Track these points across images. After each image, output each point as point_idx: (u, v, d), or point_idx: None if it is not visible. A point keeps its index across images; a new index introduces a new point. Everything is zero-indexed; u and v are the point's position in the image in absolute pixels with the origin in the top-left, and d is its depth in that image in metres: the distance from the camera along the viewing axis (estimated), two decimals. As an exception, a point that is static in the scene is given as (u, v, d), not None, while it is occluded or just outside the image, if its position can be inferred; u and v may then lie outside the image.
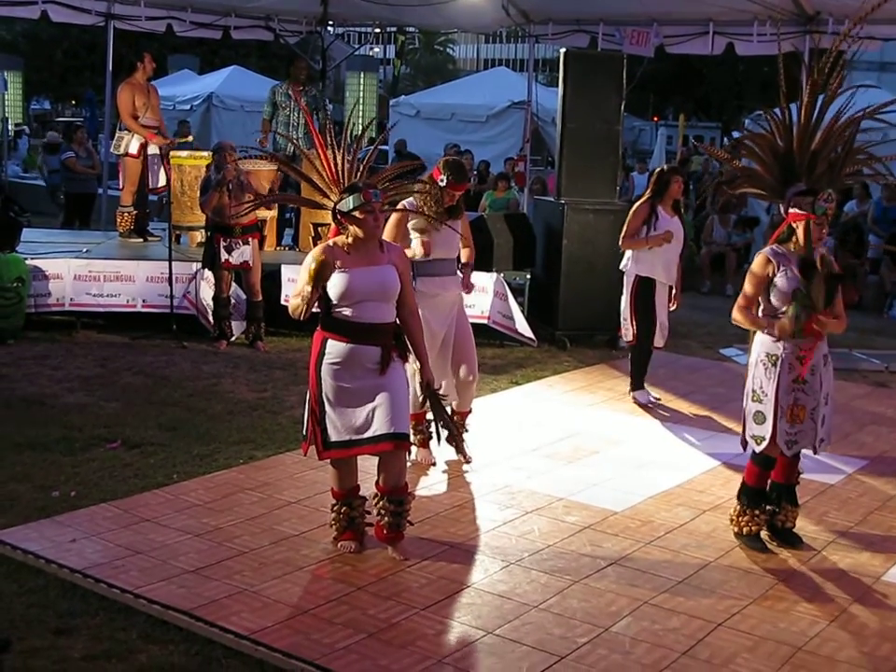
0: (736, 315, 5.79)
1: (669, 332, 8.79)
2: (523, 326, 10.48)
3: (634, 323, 8.56)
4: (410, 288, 5.64)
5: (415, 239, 6.72)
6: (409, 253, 6.39)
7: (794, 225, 5.62)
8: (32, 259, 10.20)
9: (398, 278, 5.42)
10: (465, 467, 6.92)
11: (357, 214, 5.28)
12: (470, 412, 7.15)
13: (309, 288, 5.17)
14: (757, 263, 5.70)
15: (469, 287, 6.95)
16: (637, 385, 8.76)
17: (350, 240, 5.36)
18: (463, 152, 21.20)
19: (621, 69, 10.85)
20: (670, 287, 8.60)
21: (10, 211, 10.54)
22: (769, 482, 5.94)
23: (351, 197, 5.30)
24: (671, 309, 8.70)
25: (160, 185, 11.92)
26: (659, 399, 8.76)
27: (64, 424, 7.48)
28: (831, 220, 5.60)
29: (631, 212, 8.62)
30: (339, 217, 5.37)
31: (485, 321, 10.32)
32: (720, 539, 5.93)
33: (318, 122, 10.53)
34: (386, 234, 6.36)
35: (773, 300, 5.64)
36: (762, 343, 5.74)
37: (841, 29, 12.31)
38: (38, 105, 48.59)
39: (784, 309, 5.60)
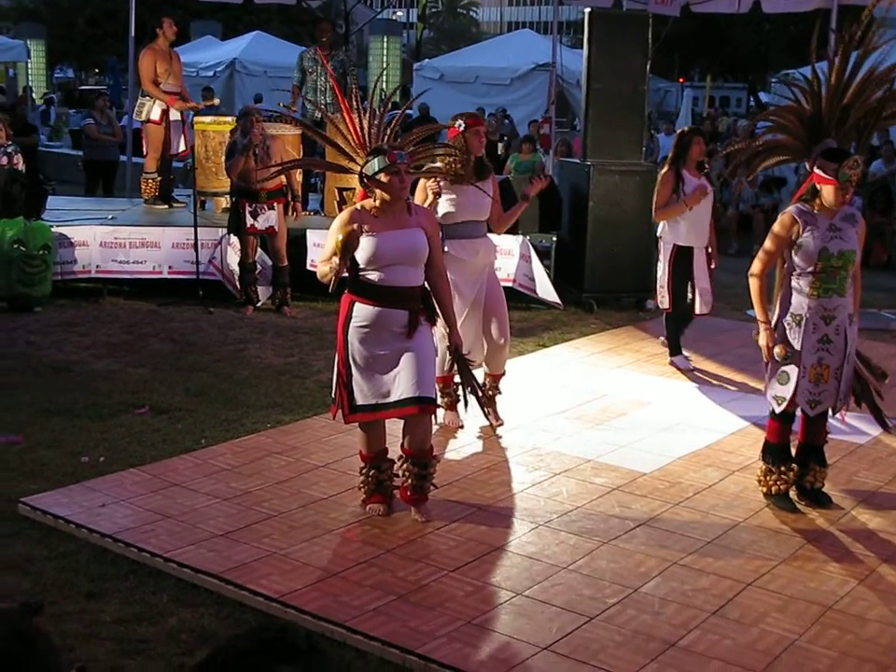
0: (754, 271, 5.71)
1: (714, 298, 8.61)
2: (548, 289, 10.43)
3: (671, 291, 8.47)
4: (439, 251, 5.61)
5: (440, 202, 6.69)
6: (419, 199, 6.37)
7: (818, 186, 5.56)
8: (57, 226, 10.23)
9: (426, 241, 5.38)
10: (496, 430, 6.90)
11: (382, 176, 5.25)
12: (504, 374, 7.12)
13: (338, 259, 5.13)
14: (781, 223, 5.63)
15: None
16: (674, 350, 8.68)
17: (377, 203, 5.33)
18: (507, 115, 21.17)
19: (646, 29, 10.75)
20: (706, 250, 8.49)
21: (36, 179, 10.54)
22: (797, 443, 5.91)
23: (376, 159, 5.28)
24: (713, 268, 8.58)
25: (180, 150, 11.92)
26: (689, 360, 8.70)
27: (92, 390, 7.52)
28: (857, 182, 5.52)
29: (658, 182, 8.51)
30: (365, 180, 5.34)
31: (510, 284, 10.28)
32: (748, 500, 5.91)
33: (347, 86, 10.48)
34: (417, 200, 6.34)
35: (798, 259, 5.58)
36: (787, 303, 5.68)
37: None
38: (62, 74, 48.66)
39: (810, 269, 5.55)
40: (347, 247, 5.11)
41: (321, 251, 5.60)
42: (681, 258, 8.36)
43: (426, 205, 6.32)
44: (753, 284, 5.73)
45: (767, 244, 5.69)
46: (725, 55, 39.35)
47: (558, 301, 10.42)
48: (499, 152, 17.35)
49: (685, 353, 8.74)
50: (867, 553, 5.34)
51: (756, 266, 5.72)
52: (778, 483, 5.84)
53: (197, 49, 27.95)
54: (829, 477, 5.99)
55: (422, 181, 6.70)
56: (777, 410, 5.73)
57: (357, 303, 5.32)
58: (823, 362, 5.64)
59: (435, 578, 4.88)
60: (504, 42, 28.90)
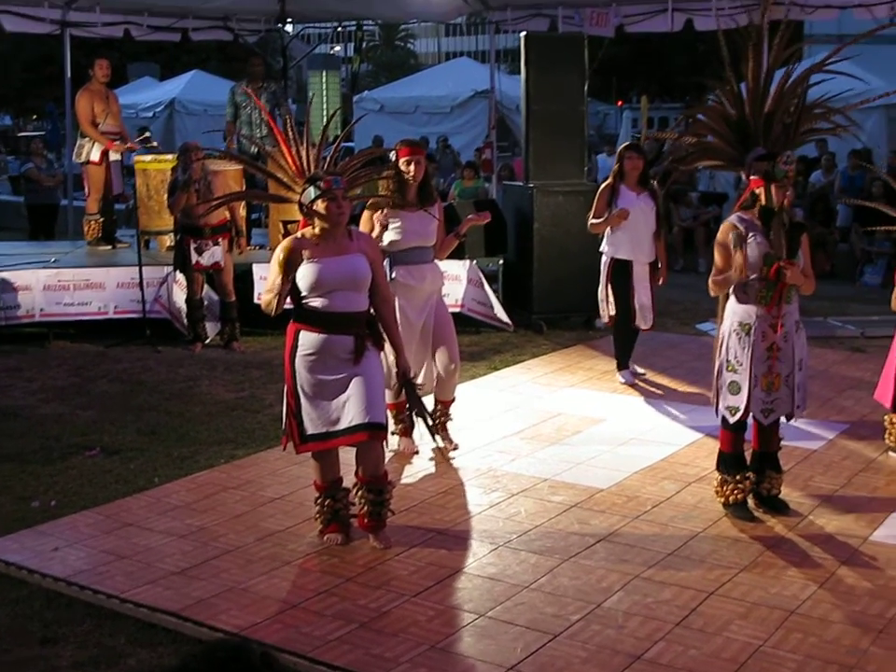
0: (711, 286, 5.77)
1: (655, 313, 8.65)
2: (498, 311, 10.45)
3: (608, 305, 8.53)
4: (382, 276, 5.59)
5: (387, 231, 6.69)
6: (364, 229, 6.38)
7: (757, 191, 5.61)
8: (-1, 271, 10.12)
9: (368, 266, 5.36)
10: (450, 453, 6.88)
11: (319, 203, 5.24)
12: (454, 400, 7.10)
13: (279, 280, 5.11)
14: (723, 232, 5.68)
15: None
16: (620, 364, 8.73)
17: (317, 231, 5.32)
18: (448, 145, 21.30)
19: (581, 50, 10.84)
20: (652, 265, 8.54)
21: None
22: (751, 451, 5.94)
23: (312, 187, 5.27)
24: (659, 284, 8.62)
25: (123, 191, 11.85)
26: (644, 374, 8.75)
27: (41, 434, 7.41)
28: (796, 187, 5.59)
29: (596, 195, 8.62)
30: (305, 209, 5.33)
31: (459, 309, 10.28)
32: (707, 510, 5.91)
33: (280, 119, 10.46)
34: (362, 229, 6.34)
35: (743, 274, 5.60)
36: (734, 313, 5.72)
37: (798, 0, 12.35)
38: (-1, 122, 48.33)
39: (755, 276, 5.58)
40: (290, 263, 5.08)
41: (266, 282, 5.55)
42: (619, 271, 8.43)
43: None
44: (720, 289, 5.75)
45: (717, 259, 5.70)
46: (662, 77, 39.84)
47: (509, 321, 10.44)
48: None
49: (636, 366, 8.80)
50: (826, 556, 5.35)
51: (712, 285, 5.73)
52: (735, 492, 5.85)
53: (136, 91, 27.87)
54: (785, 483, 6.02)
55: (366, 212, 6.71)
56: (732, 420, 5.75)
57: (302, 331, 5.29)
58: (774, 370, 5.67)
59: (396, 604, 4.83)
60: (443, 70, 29.05)
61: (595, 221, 8.49)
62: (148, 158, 11.74)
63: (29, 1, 13.37)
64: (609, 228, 8.43)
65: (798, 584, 5.02)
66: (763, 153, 5.56)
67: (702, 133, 6.00)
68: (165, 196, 10.21)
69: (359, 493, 5.43)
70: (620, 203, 8.37)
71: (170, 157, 11.35)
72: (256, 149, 11.36)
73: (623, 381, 8.62)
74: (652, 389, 8.52)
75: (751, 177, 5.60)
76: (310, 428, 5.31)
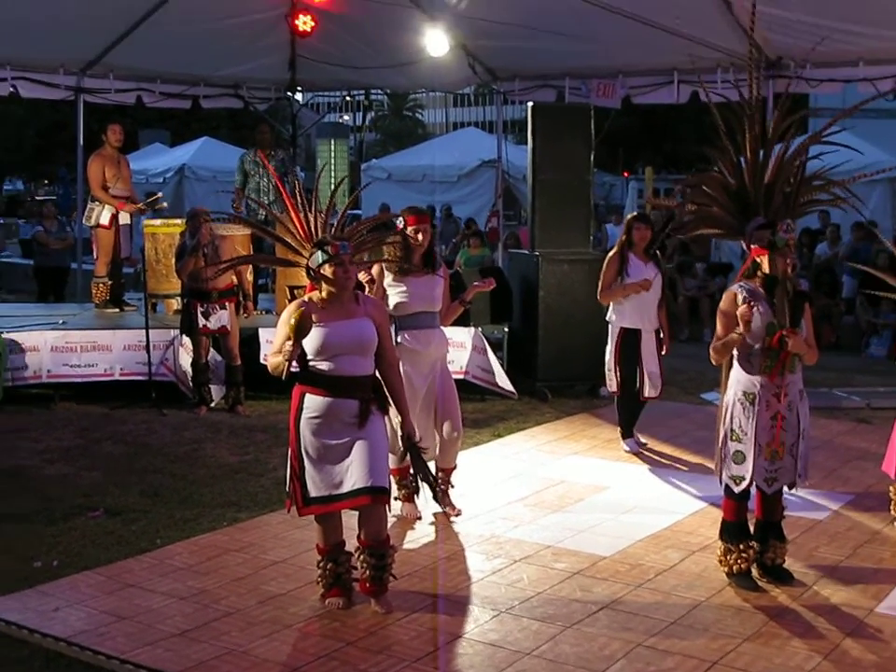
0: (712, 354, 5.80)
1: (663, 382, 8.66)
2: (502, 379, 10.46)
3: (617, 373, 8.54)
4: (389, 341, 5.62)
5: (390, 294, 6.74)
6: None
7: (759, 260, 5.65)
8: (7, 332, 10.16)
9: (374, 331, 5.40)
10: (452, 518, 6.88)
11: (326, 268, 5.29)
12: (455, 468, 7.10)
13: (290, 344, 5.14)
14: (726, 301, 5.72)
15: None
16: (625, 433, 8.74)
17: (324, 294, 5.36)
18: (451, 214, 21.54)
19: (588, 119, 10.95)
20: (657, 332, 8.58)
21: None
22: (755, 520, 5.92)
23: (319, 252, 5.33)
24: (664, 354, 8.64)
25: (132, 255, 11.95)
26: (645, 444, 8.75)
27: (45, 495, 7.41)
28: (801, 258, 5.65)
29: (605, 264, 8.65)
30: (312, 273, 5.37)
31: (463, 376, 10.29)
32: (710, 579, 5.88)
33: (288, 185, 10.57)
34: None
35: (746, 336, 5.63)
36: (738, 382, 5.74)
37: (802, 73, 12.48)
38: (11, 186, 48.71)
39: (758, 345, 5.61)
40: (301, 329, 5.12)
41: (273, 344, 5.58)
42: (628, 340, 8.45)
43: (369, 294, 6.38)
44: (721, 355, 5.78)
45: (718, 327, 5.74)
46: (668, 148, 40.13)
47: (513, 389, 10.45)
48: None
49: (639, 435, 8.80)
50: (831, 627, 5.31)
51: (713, 353, 5.77)
52: (739, 561, 5.83)
53: (146, 157, 28.11)
54: (789, 553, 5.98)
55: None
56: (737, 490, 5.74)
57: (307, 394, 5.31)
58: (778, 439, 5.67)
59: (397, 669, 4.80)
60: (450, 140, 29.28)
61: (609, 291, 8.49)
62: (158, 222, 11.85)
63: (45, 67, 13.57)
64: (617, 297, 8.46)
65: (802, 655, 4.98)
66: (764, 222, 5.62)
67: (703, 202, 6.05)
68: (173, 260, 10.29)
69: (361, 557, 5.42)
70: (631, 273, 8.41)
71: (179, 221, 11.47)
72: (264, 214, 11.49)
73: (627, 449, 8.63)
74: (657, 458, 8.52)
75: (752, 246, 5.65)
76: (313, 491, 5.31)
